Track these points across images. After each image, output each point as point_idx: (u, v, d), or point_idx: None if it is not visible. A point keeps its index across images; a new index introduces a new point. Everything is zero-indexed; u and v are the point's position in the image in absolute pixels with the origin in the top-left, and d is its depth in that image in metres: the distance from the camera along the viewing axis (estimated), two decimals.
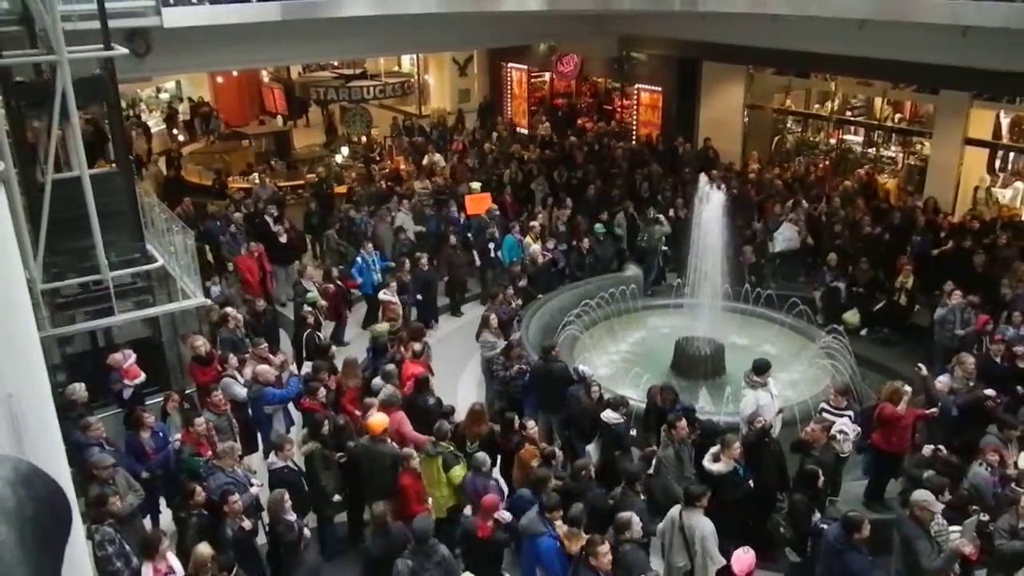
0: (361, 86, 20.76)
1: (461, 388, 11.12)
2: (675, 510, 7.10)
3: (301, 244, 14.67)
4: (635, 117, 21.49)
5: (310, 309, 11.23)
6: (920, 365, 9.36)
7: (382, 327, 11.02)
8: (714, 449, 8.11)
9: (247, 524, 7.01)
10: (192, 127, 24.02)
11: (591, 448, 8.84)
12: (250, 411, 9.01)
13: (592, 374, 9.37)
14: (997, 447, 8.15)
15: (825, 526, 7.18)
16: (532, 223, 14.31)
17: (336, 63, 22.07)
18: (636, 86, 21.37)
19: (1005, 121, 15.90)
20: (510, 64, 24.16)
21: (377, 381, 9.43)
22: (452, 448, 8.10)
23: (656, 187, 16.41)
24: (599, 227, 14.37)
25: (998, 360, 9.79)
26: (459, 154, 19.73)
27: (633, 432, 8.75)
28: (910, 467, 8.16)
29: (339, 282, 12.61)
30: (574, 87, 23.57)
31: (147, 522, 8.18)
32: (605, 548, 6.14)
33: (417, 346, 10.16)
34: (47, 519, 0.81)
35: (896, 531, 7.00)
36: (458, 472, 7.92)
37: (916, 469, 8.01)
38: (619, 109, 22.38)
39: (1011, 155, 16.29)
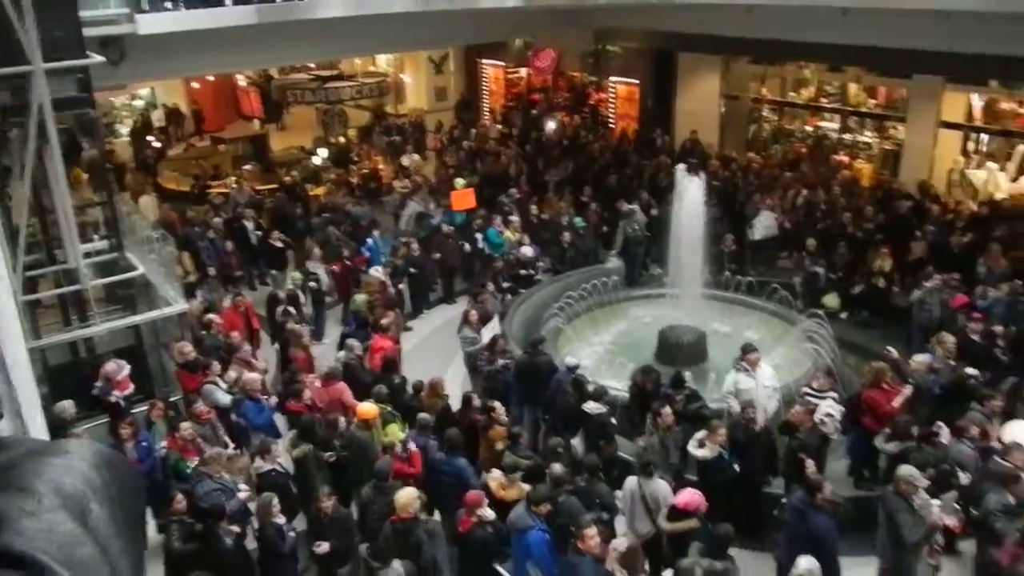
0: (338, 87, 20.69)
1: (450, 375, 11.08)
2: (633, 481, 7.21)
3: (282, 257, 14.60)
4: (613, 110, 21.56)
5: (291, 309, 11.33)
6: (889, 348, 9.53)
7: (361, 299, 11.22)
8: (699, 435, 8.21)
9: (235, 529, 7.00)
10: (167, 133, 23.87)
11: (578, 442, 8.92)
12: (234, 417, 8.96)
13: (578, 365, 9.44)
14: (980, 423, 8.31)
15: None
16: (511, 218, 14.32)
17: (312, 65, 21.98)
18: (612, 79, 21.43)
19: (978, 104, 16.07)
20: (486, 61, 24.16)
21: (340, 353, 9.83)
22: (388, 407, 8.38)
23: (645, 181, 16.46)
24: (578, 220, 14.44)
25: (976, 338, 9.93)
26: (438, 152, 19.73)
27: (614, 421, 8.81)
28: (882, 442, 8.26)
29: (348, 261, 13.04)
30: (551, 82, 23.59)
31: None
32: (592, 531, 6.20)
33: (384, 320, 10.31)
34: (129, 498, 0.89)
35: (880, 506, 7.11)
36: (394, 429, 8.14)
37: (887, 443, 8.13)
38: (596, 103, 22.43)
39: (984, 137, 16.47)
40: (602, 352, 11.41)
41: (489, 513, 6.90)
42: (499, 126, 22.38)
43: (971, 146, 16.61)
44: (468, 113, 23.46)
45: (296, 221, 15.34)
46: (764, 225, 14.13)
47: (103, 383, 8.99)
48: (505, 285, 12.49)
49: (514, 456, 7.66)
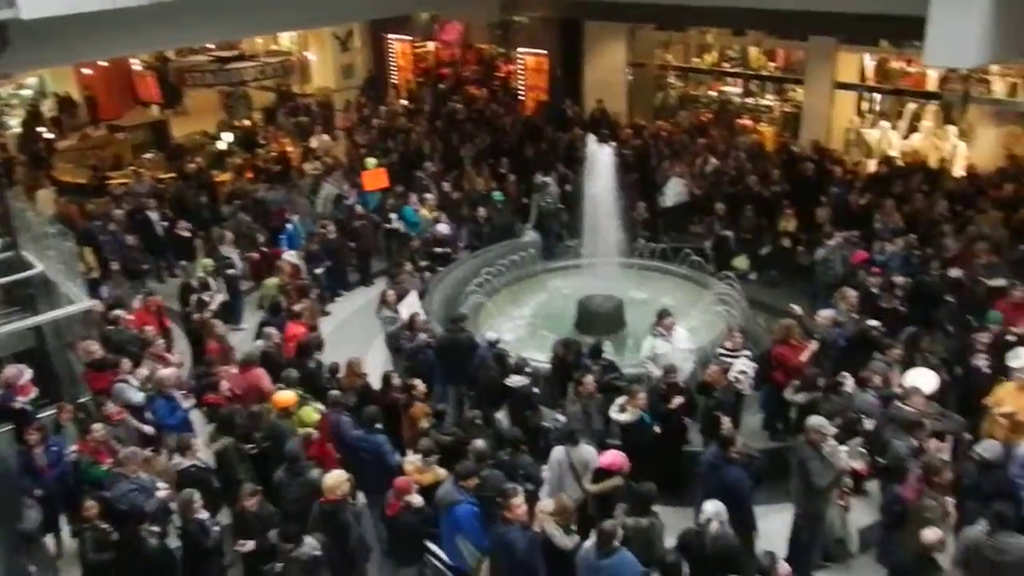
0: (239, 68, 20.00)
1: (371, 358, 11.00)
2: (560, 450, 7.37)
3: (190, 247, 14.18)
4: (523, 82, 21.53)
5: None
6: (792, 305, 9.93)
7: (271, 283, 11.04)
8: (620, 400, 8.42)
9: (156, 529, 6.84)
10: (60, 124, 22.71)
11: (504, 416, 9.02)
12: (148, 415, 8.70)
13: (499, 340, 9.52)
14: (882, 371, 8.75)
15: None
16: (426, 195, 14.24)
17: (212, 45, 21.20)
18: (521, 51, 21.39)
19: (870, 64, 16.67)
20: (392, 36, 23.76)
21: (259, 342, 9.68)
22: (300, 391, 8.37)
23: (561, 152, 16.51)
24: (496, 195, 14.47)
25: (876, 291, 10.41)
26: (348, 131, 19.38)
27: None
28: (791, 394, 8.62)
29: (264, 249, 12.96)
30: (459, 56, 23.40)
31: (50, 540, 7.89)
32: (519, 500, 6.30)
33: (298, 306, 10.21)
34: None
35: (792, 455, 7.44)
36: (308, 412, 8.14)
37: (796, 395, 8.49)
38: (505, 75, 22.37)
39: (877, 97, 17.13)
40: (523, 325, 11.54)
41: (417, 499, 6.90)
42: (405, 102, 22.11)
43: (865, 106, 17.25)
44: (377, 90, 23.06)
45: (202, 210, 14.89)
46: (674, 192, 14.42)
47: (4, 389, 8.58)
48: (423, 264, 12.43)
49: (431, 439, 7.66)
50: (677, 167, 15.03)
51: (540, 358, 9.75)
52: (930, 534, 6.15)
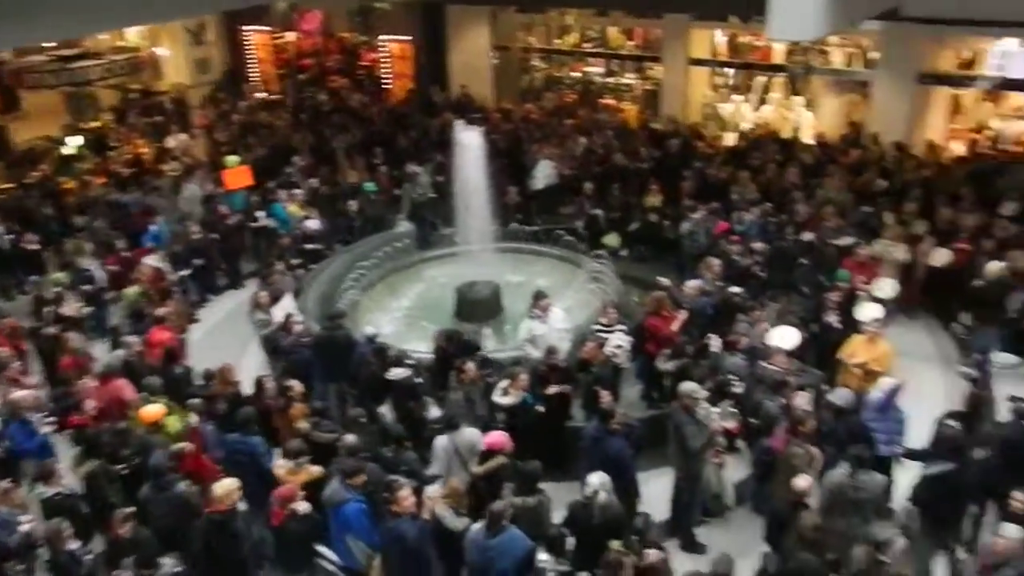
0: (83, 67, 18.85)
1: (247, 363, 10.70)
2: (444, 439, 7.44)
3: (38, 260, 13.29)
4: (388, 70, 21.26)
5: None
6: (661, 278, 10.31)
7: (132, 292, 10.65)
8: (503, 383, 8.52)
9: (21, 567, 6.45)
10: None
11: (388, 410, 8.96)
12: (4, 441, 8.16)
13: (377, 334, 9.44)
14: (747, 332, 9.22)
15: None
16: (295, 191, 13.88)
17: (54, 44, 19.84)
18: (384, 38, 21.10)
19: (721, 40, 17.38)
20: (249, 28, 22.93)
21: (119, 352, 9.37)
22: (166, 400, 8.16)
23: (434, 140, 16.39)
24: (369, 186, 14.27)
25: (738, 259, 10.93)
26: (206, 129, 18.61)
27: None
28: (662, 362, 8.96)
29: (125, 253, 12.31)
30: (321, 45, 22.86)
31: None
32: (406, 491, 6.30)
33: (161, 311, 9.85)
34: None
35: (669, 421, 7.75)
36: (171, 422, 7.94)
37: (666, 363, 8.83)
38: (370, 64, 22.04)
39: (730, 71, 17.90)
40: (402, 317, 11.46)
41: (302, 506, 6.76)
42: (263, 94, 21.44)
43: (719, 81, 18.00)
44: (235, 85, 22.22)
45: (49, 221, 14.00)
46: (544, 174, 14.62)
47: None
48: (295, 262, 12.13)
49: (299, 440, 7.54)
50: (546, 149, 15.25)
51: (421, 349, 9.74)
52: (800, 481, 6.55)
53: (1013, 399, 7.52)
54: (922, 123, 14.64)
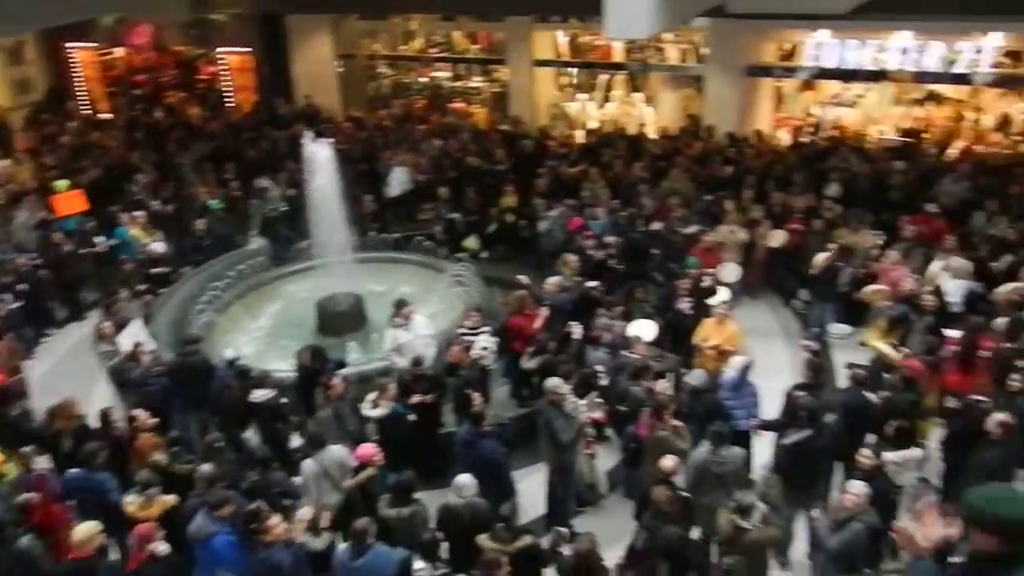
0: None
1: (97, 397, 10.03)
2: (309, 463, 7.28)
3: None
4: (229, 83, 20.47)
5: None
6: (520, 276, 10.47)
7: None
8: (371, 395, 8.42)
9: None
10: None
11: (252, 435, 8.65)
12: None
13: (238, 357, 9.10)
14: (608, 326, 9.51)
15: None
16: (136, 213, 13.12)
17: None
18: (222, 50, 20.32)
19: (563, 40, 17.83)
20: (73, 44, 21.49)
21: None
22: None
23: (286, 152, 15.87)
24: (215, 203, 13.71)
25: (593, 254, 11.25)
26: (32, 153, 17.30)
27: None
28: (526, 361, 9.12)
29: None
30: (154, 60, 21.74)
31: None
32: (276, 519, 6.12)
33: None
34: None
35: (538, 418, 7.89)
36: (8, 469, 7.53)
37: (530, 361, 9.00)
38: (209, 77, 21.17)
39: (573, 71, 18.40)
40: (262, 337, 11.10)
41: (162, 547, 6.39)
42: (92, 113, 20.22)
43: (564, 80, 18.47)
44: (60, 105, 20.78)
45: None
46: (399, 181, 14.54)
47: None
48: (141, 287, 11.48)
49: (149, 471, 7.19)
50: (399, 156, 15.16)
51: (284, 368, 9.47)
52: (667, 462, 6.81)
53: (850, 366, 8.13)
54: (752, 113, 15.61)
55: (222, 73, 20.46)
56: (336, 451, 7.38)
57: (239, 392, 8.57)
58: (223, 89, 20.46)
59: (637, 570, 5.81)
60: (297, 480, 7.39)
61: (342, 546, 6.27)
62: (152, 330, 10.36)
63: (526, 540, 6.27)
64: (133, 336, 9.65)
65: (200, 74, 21.38)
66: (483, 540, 6.25)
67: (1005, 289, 9.28)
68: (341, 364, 8.99)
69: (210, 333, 10.64)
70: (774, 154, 14.20)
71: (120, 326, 9.86)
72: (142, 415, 7.96)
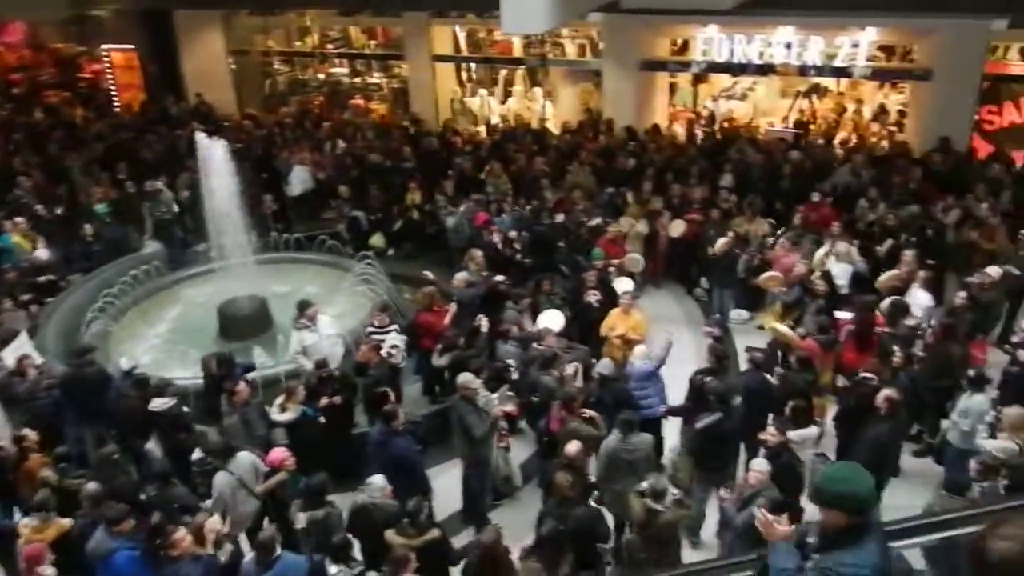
0: None
1: None
2: (223, 475, 7.09)
3: None
4: (114, 82, 19.58)
5: None
6: (426, 273, 10.45)
7: None
8: (279, 399, 8.24)
9: None
10: None
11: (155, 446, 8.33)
12: None
13: (135, 366, 8.74)
14: (516, 320, 9.58)
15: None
16: (17, 219, 12.38)
17: None
18: (106, 47, 19.42)
19: (462, 35, 17.81)
20: None
21: None
22: None
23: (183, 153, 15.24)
24: (101, 208, 13.09)
25: (500, 247, 11.31)
26: None
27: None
28: (436, 358, 9.11)
29: None
30: (31, 58, 20.60)
31: None
32: (181, 533, 5.93)
33: None
34: None
35: (451, 413, 7.90)
36: None
37: (440, 358, 9.01)
38: (91, 75, 20.22)
39: (473, 66, 18.41)
40: (160, 344, 10.69)
41: (49, 571, 6.08)
42: None
43: (464, 76, 18.47)
44: None
45: None
46: (300, 180, 14.27)
47: None
48: (25, 298, 10.86)
49: (45, 491, 6.86)
50: (298, 154, 14.85)
51: (187, 375, 9.16)
52: (571, 448, 6.91)
53: (749, 350, 8.45)
54: (648, 107, 15.98)
55: (106, 71, 19.56)
56: (245, 457, 7.19)
57: (138, 402, 8.24)
58: (108, 88, 19.56)
59: (541, 556, 5.88)
60: (213, 494, 7.14)
61: (248, 557, 6.12)
62: (39, 342, 9.86)
63: (433, 534, 6.28)
64: (17, 349, 9.13)
65: (83, 72, 20.38)
66: (390, 536, 6.23)
67: (885, 276, 9.82)
68: (249, 369, 8.76)
69: (104, 342, 10.18)
70: (673, 147, 14.55)
71: (5, 340, 9.30)
72: (31, 434, 7.57)
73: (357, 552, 6.45)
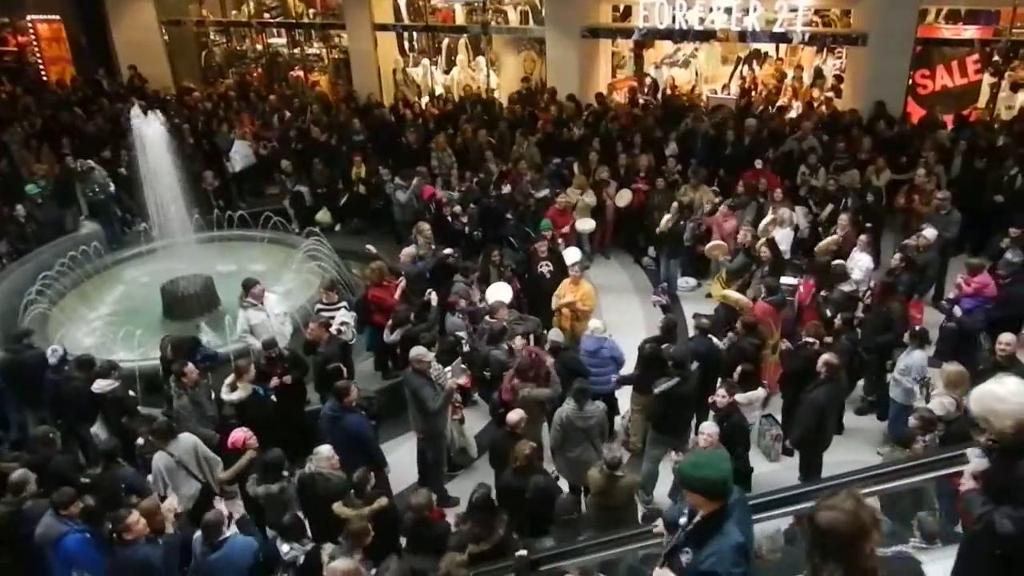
0: None
1: None
2: (161, 455, 6.98)
3: None
4: (38, 54, 18.82)
5: None
6: (369, 246, 10.41)
7: None
8: (229, 379, 8.12)
9: None
10: None
11: (100, 429, 8.16)
12: None
13: (64, 355, 8.49)
14: (465, 293, 9.58)
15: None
16: None
17: None
18: (31, 18, 18.62)
19: (403, 2, 17.51)
20: None
21: None
22: None
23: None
24: (32, 188, 12.64)
25: (450, 220, 11.27)
26: None
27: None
28: (387, 335, 9.09)
29: None
30: None
31: None
32: (135, 516, 5.84)
33: None
34: None
35: (405, 387, 7.90)
36: None
37: (392, 334, 8.99)
38: (16, 48, 19.39)
39: (415, 35, 18.15)
40: (103, 326, 10.43)
41: None
42: None
43: (406, 45, 18.21)
44: None
45: None
46: (241, 155, 13.97)
47: None
48: None
49: None
50: (240, 129, 14.52)
51: (132, 357, 8.98)
52: (513, 416, 7.00)
53: (696, 316, 8.61)
54: (592, 75, 15.98)
55: (32, 44, 18.79)
56: (186, 438, 7.10)
57: (82, 383, 8.06)
58: (35, 61, 18.80)
59: (474, 521, 5.98)
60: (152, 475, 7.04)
61: (196, 534, 6.08)
62: None
63: (381, 502, 6.30)
64: None
65: (7, 44, 19.53)
66: (338, 507, 6.24)
67: (823, 243, 10.07)
68: (210, 357, 8.61)
69: (44, 326, 9.89)
70: (628, 116, 14.48)
71: None
72: None
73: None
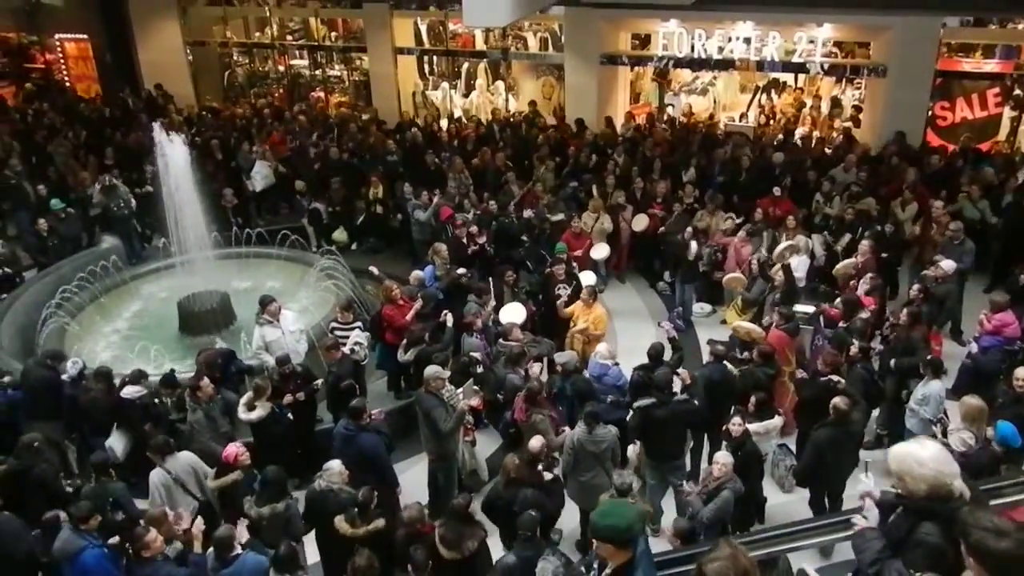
0: None
1: None
2: (158, 471, 7.01)
3: None
4: (66, 72, 19.15)
5: None
6: (372, 268, 10.58)
7: None
8: (245, 398, 8.13)
9: None
10: None
11: (115, 441, 8.20)
12: None
13: (83, 368, 8.56)
14: (478, 313, 9.58)
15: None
16: None
17: None
18: (59, 37, 18.97)
19: (423, 27, 17.74)
20: None
21: None
22: None
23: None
24: (56, 203, 12.81)
25: (465, 242, 11.30)
26: None
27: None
28: (401, 355, 9.10)
29: None
30: None
31: None
32: (153, 534, 5.86)
33: None
34: None
35: (418, 407, 7.90)
36: None
37: (406, 354, 9.00)
38: (44, 65, 19.72)
39: (434, 59, 18.34)
40: (119, 340, 10.51)
41: None
42: None
43: (426, 68, 18.40)
44: None
45: None
46: (262, 175, 14.10)
47: None
48: None
49: None
50: (259, 147, 14.67)
51: (149, 371, 9.02)
52: (534, 443, 6.97)
53: (711, 342, 8.57)
54: (610, 101, 16.08)
55: (60, 61, 19.13)
56: (184, 456, 7.10)
57: (101, 394, 8.12)
58: (63, 79, 19.12)
59: (448, 529, 5.98)
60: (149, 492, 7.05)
61: (209, 551, 6.06)
62: None
63: (377, 524, 6.27)
64: None
65: (34, 62, 19.89)
66: (339, 521, 6.23)
67: (841, 265, 10.03)
68: (247, 370, 8.66)
69: (61, 339, 9.98)
70: (667, 143, 14.30)
71: None
72: None
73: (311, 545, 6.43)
